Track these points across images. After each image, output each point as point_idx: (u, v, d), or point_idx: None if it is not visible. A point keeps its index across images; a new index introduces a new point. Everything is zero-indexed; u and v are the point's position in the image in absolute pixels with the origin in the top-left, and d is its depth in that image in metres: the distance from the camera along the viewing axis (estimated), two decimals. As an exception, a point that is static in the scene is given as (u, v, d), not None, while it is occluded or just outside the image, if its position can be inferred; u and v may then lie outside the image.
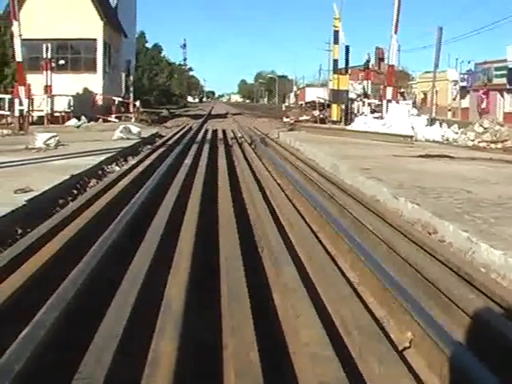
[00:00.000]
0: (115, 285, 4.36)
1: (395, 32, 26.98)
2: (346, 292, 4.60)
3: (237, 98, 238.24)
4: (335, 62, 34.97)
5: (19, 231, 6.42)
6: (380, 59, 35.96)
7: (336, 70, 34.76)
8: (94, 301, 4.39)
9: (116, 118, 33.40)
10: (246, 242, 6.17)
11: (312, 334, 3.62)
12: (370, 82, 36.26)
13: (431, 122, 26.44)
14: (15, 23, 23.79)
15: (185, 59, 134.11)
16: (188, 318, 3.76)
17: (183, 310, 3.84)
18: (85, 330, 3.70)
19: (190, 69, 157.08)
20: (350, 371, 3.26)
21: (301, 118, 38.27)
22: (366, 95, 34.52)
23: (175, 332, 3.47)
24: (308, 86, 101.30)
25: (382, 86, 32.17)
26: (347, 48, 34.44)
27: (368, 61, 36.53)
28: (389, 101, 27.52)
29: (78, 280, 4.42)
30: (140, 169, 11.66)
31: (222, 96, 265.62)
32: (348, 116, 32.30)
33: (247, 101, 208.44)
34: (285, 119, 38.44)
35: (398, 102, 28.74)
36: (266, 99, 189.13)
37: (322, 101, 40.01)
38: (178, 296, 4.06)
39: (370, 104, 33.05)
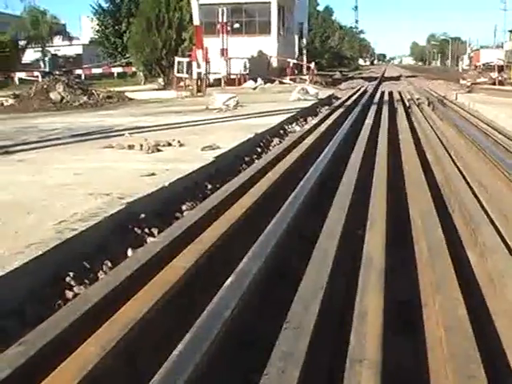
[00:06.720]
0: (312, 238, 4.38)
1: None
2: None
3: (408, 61, 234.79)
4: (516, 20, 33.41)
5: (209, 186, 6.57)
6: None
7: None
8: (291, 254, 4.45)
9: (291, 80, 33.67)
10: (436, 200, 6.03)
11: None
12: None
13: None
14: (193, -12, 24.35)
15: (356, 21, 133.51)
16: (388, 273, 3.71)
17: (384, 265, 3.79)
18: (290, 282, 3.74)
19: (361, 31, 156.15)
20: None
21: (478, 80, 37.11)
22: (548, 55, 32.94)
23: (378, 287, 3.43)
24: (482, 47, 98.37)
25: None
26: (528, 6, 32.85)
27: (550, 19, 34.67)
28: None
29: (276, 232, 4.46)
30: (322, 128, 11.63)
31: (393, 58, 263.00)
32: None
33: (419, 63, 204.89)
34: (461, 81, 37.31)
35: None
36: (438, 61, 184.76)
37: (502, 62, 38.65)
38: (377, 251, 4.02)
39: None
